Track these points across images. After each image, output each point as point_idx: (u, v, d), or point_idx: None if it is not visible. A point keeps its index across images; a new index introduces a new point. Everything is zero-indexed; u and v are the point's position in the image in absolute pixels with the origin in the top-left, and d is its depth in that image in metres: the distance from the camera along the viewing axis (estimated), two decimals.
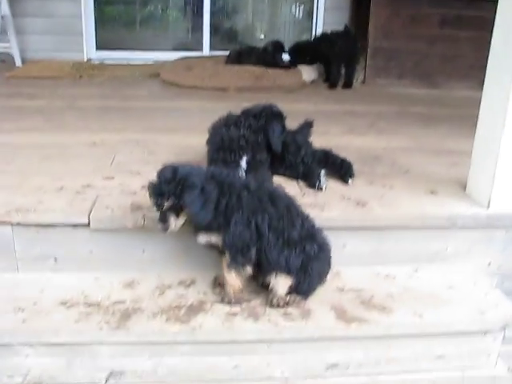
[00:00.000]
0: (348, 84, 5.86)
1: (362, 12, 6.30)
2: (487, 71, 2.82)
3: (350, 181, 3.04)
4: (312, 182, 2.96)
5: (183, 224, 2.29)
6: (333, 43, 5.74)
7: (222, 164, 2.81)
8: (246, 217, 2.28)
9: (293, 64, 6.04)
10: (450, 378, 2.47)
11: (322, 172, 2.99)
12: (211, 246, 2.38)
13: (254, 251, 2.31)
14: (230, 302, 2.38)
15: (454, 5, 5.96)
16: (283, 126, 3.01)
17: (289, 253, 2.31)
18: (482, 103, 2.87)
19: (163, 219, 2.24)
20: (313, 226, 2.43)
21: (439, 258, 2.82)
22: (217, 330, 2.27)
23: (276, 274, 2.33)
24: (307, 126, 3.18)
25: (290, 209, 2.38)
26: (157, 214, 2.26)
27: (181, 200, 2.19)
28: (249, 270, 2.33)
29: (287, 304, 2.37)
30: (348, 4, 6.88)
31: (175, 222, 2.25)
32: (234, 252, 2.29)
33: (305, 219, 2.42)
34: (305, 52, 6.07)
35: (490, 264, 2.88)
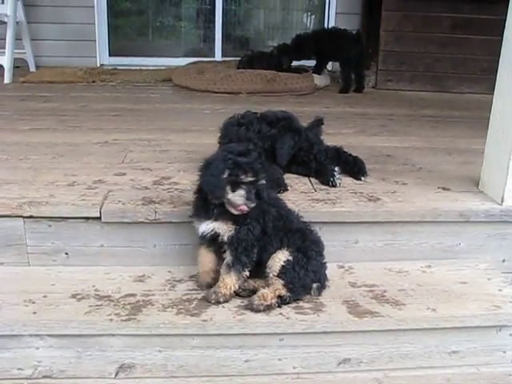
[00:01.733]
0: (359, 88, 5.84)
1: (374, 16, 6.29)
2: (499, 66, 2.80)
3: (363, 178, 3.01)
4: (326, 178, 2.93)
5: None
6: (341, 47, 5.71)
7: None
8: (258, 214, 2.28)
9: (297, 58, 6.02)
10: (465, 375, 2.40)
11: (336, 168, 2.96)
12: (209, 242, 2.34)
13: (255, 251, 2.30)
14: (218, 302, 2.31)
15: (465, 8, 5.94)
16: (295, 143, 2.97)
17: (288, 237, 2.32)
18: (494, 99, 2.84)
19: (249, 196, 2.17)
20: (305, 222, 2.45)
21: (453, 253, 2.78)
22: (228, 323, 2.23)
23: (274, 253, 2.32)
24: (318, 123, 3.15)
25: (286, 210, 2.42)
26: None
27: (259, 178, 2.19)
28: (247, 272, 2.31)
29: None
30: (359, 9, 6.87)
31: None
32: (240, 251, 2.26)
33: (298, 216, 2.44)
34: (306, 47, 6.01)
35: (504, 261, 2.84)
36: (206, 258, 2.39)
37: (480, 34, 5.94)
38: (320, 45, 5.89)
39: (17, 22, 5.97)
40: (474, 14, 5.93)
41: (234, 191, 2.18)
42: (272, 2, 7.77)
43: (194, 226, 2.34)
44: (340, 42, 5.74)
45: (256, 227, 2.27)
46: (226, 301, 2.32)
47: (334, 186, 2.90)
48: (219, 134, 2.95)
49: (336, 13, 7.07)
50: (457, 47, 6.09)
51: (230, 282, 2.29)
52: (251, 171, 2.17)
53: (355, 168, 3.04)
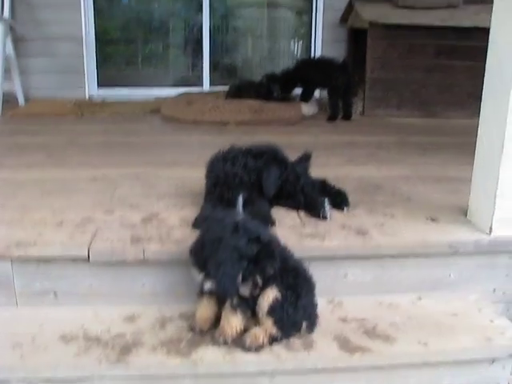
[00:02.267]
0: (347, 116, 5.87)
1: (359, 44, 6.36)
2: (483, 94, 2.81)
3: (345, 209, 3.02)
4: (316, 211, 2.93)
5: None
6: (329, 75, 5.80)
7: (218, 199, 2.82)
8: None
9: (285, 93, 6.11)
10: None
11: (326, 201, 2.97)
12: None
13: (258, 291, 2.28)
14: (226, 343, 2.27)
15: (449, 35, 6.01)
16: (281, 173, 2.99)
17: (282, 275, 2.29)
18: (479, 127, 2.85)
19: None
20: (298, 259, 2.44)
21: (443, 285, 2.78)
22: (218, 363, 2.22)
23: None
24: (306, 159, 3.17)
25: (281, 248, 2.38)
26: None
27: None
28: (249, 312, 2.29)
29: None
30: (345, 36, 6.96)
31: None
32: None
33: (290, 253, 2.42)
34: (294, 80, 6.15)
35: (494, 290, 2.83)
36: (208, 309, 2.35)
37: (464, 61, 6.00)
38: (307, 73, 6.00)
39: (6, 57, 6.00)
40: (458, 42, 6.00)
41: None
42: (259, 30, 7.86)
43: (193, 277, 2.33)
44: (327, 70, 5.83)
45: None
46: (232, 341, 2.27)
47: (325, 218, 2.89)
48: (206, 170, 2.96)
49: (322, 40, 7.16)
50: (442, 73, 6.14)
51: (235, 322, 2.25)
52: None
53: (338, 199, 3.05)
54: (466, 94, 6.06)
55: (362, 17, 6.04)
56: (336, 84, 5.76)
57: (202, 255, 2.24)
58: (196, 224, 2.68)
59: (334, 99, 5.86)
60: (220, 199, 2.84)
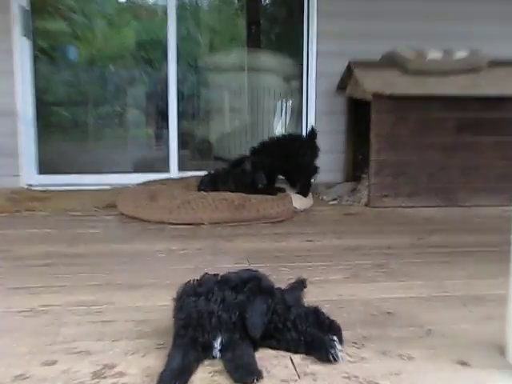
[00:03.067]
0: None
1: (362, 117, 6.51)
2: None
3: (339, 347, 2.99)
4: (324, 352, 2.89)
5: None
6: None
7: (190, 344, 2.79)
8: None
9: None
10: None
11: (335, 338, 2.96)
12: None
13: None
14: None
15: (471, 106, 6.22)
16: (269, 307, 2.98)
17: None
18: None
19: None
20: None
21: None
22: None
23: None
24: (300, 286, 3.19)
25: None
26: None
27: None
28: None
29: None
30: (344, 108, 7.15)
31: None
32: None
33: None
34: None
35: None
36: None
37: (492, 136, 6.15)
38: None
39: None
40: (483, 114, 6.19)
41: None
42: (237, 100, 8.04)
43: None
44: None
45: None
46: None
47: (336, 360, 2.87)
48: (173, 307, 2.96)
49: (316, 112, 7.36)
50: (465, 152, 6.32)
51: None
52: None
53: (330, 333, 3.04)
54: (496, 176, 6.21)
55: (363, 86, 6.21)
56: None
57: None
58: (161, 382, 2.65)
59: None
60: (193, 344, 2.82)
